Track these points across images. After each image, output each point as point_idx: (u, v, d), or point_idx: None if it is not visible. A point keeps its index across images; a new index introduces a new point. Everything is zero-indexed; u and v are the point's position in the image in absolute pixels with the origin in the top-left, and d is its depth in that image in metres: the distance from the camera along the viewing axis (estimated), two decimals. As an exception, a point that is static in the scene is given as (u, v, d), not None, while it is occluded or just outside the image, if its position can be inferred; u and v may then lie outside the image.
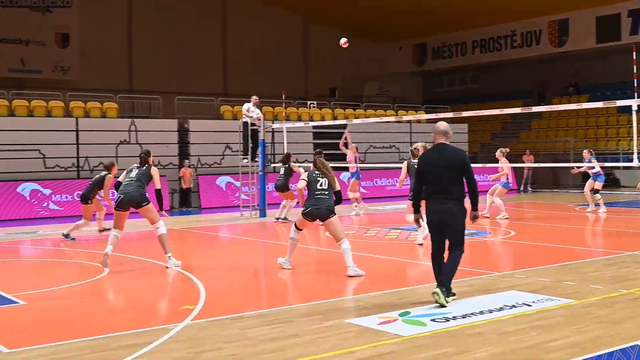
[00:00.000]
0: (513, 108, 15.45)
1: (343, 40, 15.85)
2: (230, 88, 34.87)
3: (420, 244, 12.15)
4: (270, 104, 26.57)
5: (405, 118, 20.42)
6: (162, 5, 33.23)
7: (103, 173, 14.20)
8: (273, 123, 22.09)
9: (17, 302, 8.17)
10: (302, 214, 9.83)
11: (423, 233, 11.87)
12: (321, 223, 9.84)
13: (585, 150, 18.51)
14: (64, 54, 30.94)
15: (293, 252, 10.16)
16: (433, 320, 6.88)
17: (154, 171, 10.82)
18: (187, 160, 22.90)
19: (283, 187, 16.84)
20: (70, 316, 7.63)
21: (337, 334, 6.47)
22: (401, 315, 7.11)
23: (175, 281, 9.78)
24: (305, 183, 9.91)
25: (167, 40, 33.26)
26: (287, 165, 17.11)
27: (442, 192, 7.52)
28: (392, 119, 20.17)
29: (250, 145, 19.12)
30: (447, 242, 7.65)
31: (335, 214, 9.66)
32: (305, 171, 10.34)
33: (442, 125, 7.83)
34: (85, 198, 14.12)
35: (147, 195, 10.64)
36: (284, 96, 20.90)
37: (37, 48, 30.36)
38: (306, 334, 6.51)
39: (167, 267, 10.46)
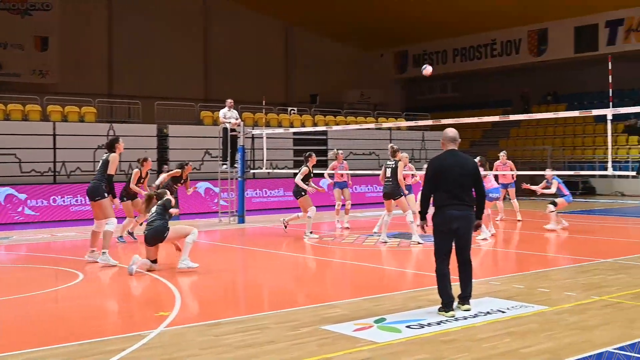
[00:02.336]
0: (492, 116, 15.55)
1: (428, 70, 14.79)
2: (211, 93, 34.80)
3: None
4: (250, 109, 26.54)
5: (385, 125, 20.46)
6: (143, 10, 33.11)
7: (137, 168, 14.36)
8: (253, 129, 22.07)
9: (-9, 308, 8.09)
10: None
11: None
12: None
13: (548, 170, 16.59)
14: (43, 58, 30.70)
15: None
16: (408, 327, 6.91)
17: (111, 157, 10.91)
18: (166, 166, 22.79)
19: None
20: (45, 322, 7.56)
21: (313, 340, 6.47)
22: (376, 321, 7.13)
23: (150, 287, 9.72)
24: None
25: (148, 45, 33.12)
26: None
27: (459, 198, 7.40)
28: (372, 125, 20.22)
29: (229, 151, 19.08)
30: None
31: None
32: None
33: (451, 131, 7.66)
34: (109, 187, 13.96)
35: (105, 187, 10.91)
36: (264, 102, 20.91)
37: (16, 51, 30.11)
38: (282, 340, 6.50)
39: (98, 261, 10.95)
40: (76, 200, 19.86)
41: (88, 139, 21.67)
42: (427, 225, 7.73)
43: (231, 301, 9.06)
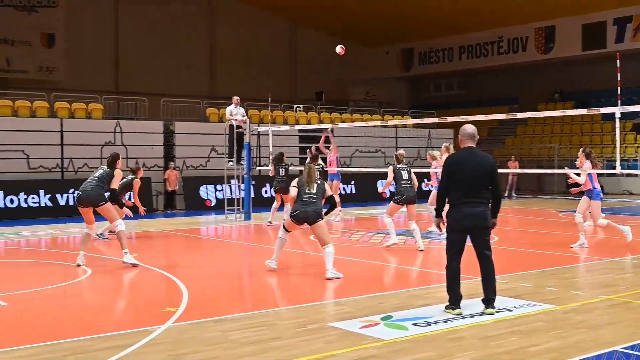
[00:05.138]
0: (498, 114, 15.52)
1: (339, 48, 15.31)
2: (216, 90, 34.85)
3: (422, 250, 12.28)
4: (256, 107, 26.55)
5: (391, 123, 20.45)
6: (149, 7, 33.18)
7: (130, 177, 14.12)
8: (259, 126, 22.10)
9: (-1, 303, 8.13)
10: (291, 216, 9.90)
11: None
12: (309, 226, 9.89)
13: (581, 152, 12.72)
14: (49, 54, 30.82)
15: (280, 251, 10.26)
16: (415, 324, 6.90)
17: (117, 172, 11.15)
18: (172, 162, 22.84)
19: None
20: (53, 317, 7.58)
21: (319, 337, 6.48)
22: (383, 319, 7.12)
23: (157, 283, 9.75)
24: (295, 190, 9.92)
25: (154, 42, 33.22)
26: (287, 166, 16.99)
27: (474, 196, 7.28)
28: (378, 123, 20.22)
29: (235, 147, 19.11)
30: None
31: (322, 219, 9.73)
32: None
33: (470, 128, 7.51)
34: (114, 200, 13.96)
35: (106, 195, 11.01)
36: (269, 99, 20.91)
37: (23, 48, 30.23)
38: (288, 337, 6.51)
39: (123, 262, 10.83)
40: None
41: (95, 136, 21.75)
42: (443, 223, 7.62)
43: (238, 298, 9.07)
